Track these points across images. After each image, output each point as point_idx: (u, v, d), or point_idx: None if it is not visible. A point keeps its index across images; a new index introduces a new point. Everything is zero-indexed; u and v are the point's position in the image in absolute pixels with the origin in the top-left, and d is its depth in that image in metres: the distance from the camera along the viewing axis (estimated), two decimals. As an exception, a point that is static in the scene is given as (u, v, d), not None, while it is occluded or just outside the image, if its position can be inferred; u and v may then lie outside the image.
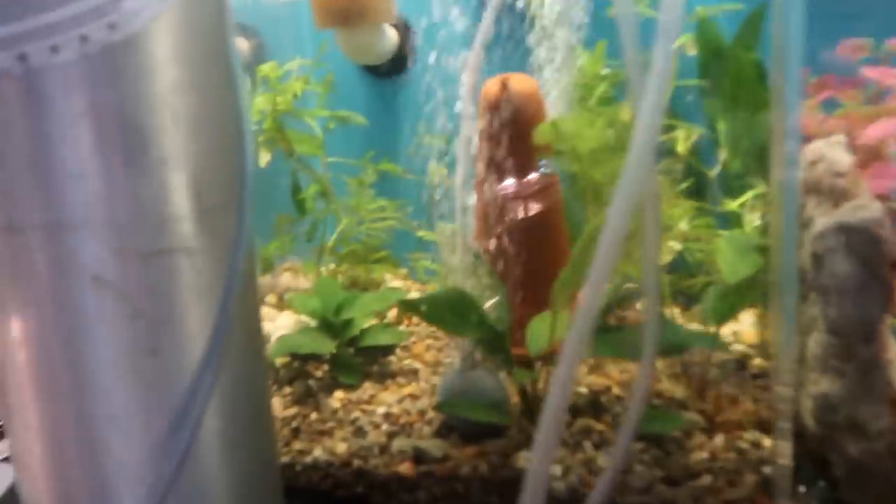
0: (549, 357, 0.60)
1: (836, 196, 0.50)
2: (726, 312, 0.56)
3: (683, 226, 0.73)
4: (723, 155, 0.71)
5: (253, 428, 0.43)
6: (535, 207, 0.69)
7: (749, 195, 0.67)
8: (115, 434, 0.38)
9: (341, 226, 0.88)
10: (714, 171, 0.72)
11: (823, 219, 0.50)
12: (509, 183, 0.70)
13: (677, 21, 0.37)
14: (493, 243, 0.69)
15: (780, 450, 0.49)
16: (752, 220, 0.70)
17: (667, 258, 0.73)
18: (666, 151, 0.73)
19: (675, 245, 0.72)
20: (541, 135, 0.64)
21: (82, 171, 0.35)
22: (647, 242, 0.44)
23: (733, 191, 0.69)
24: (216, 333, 0.39)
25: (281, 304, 0.90)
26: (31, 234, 0.35)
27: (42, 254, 0.35)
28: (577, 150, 0.64)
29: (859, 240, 0.48)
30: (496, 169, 0.68)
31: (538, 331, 0.63)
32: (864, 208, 0.48)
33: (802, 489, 0.55)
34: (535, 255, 0.67)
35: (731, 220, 0.70)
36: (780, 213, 0.55)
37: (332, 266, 0.89)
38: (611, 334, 0.53)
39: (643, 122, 0.38)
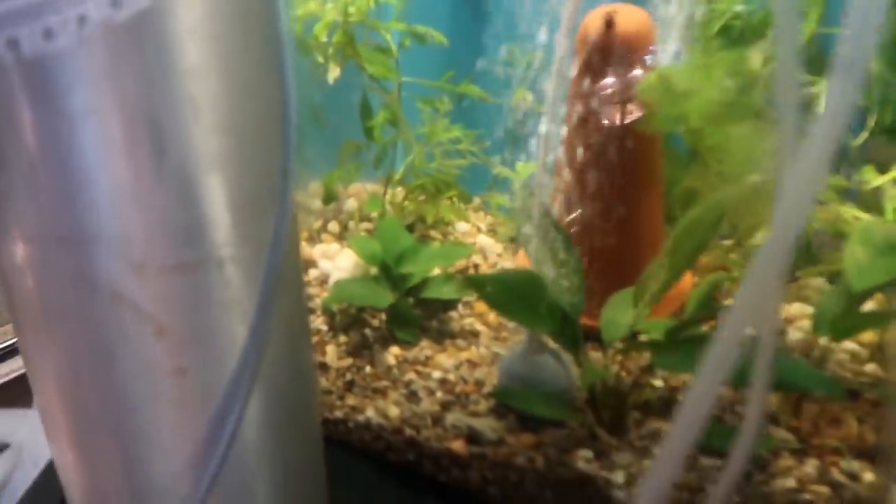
0: (626, 345, 0.54)
1: None
2: (847, 330, 0.47)
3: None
4: (872, 120, 0.58)
5: (296, 442, 0.40)
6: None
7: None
8: (148, 449, 0.35)
9: (411, 156, 0.81)
10: (859, 139, 0.59)
11: None
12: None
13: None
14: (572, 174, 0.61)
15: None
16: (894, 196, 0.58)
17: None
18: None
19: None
20: (646, 90, 0.54)
21: (91, 178, 0.29)
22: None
23: (879, 166, 0.57)
24: (250, 348, 0.35)
25: (343, 235, 0.86)
26: (47, 247, 0.31)
27: (59, 268, 0.31)
28: (689, 111, 0.54)
29: None
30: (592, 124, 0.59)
31: (615, 318, 0.56)
32: None
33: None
34: (621, 203, 0.59)
35: (866, 199, 0.59)
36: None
37: (399, 198, 0.83)
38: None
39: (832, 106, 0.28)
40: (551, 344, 0.58)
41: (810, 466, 0.51)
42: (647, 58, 0.60)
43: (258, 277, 0.35)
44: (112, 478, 0.36)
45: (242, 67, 0.32)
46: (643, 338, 0.57)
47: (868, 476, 0.50)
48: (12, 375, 0.82)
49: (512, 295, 0.49)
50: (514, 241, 0.84)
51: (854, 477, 0.50)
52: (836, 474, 0.50)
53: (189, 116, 0.30)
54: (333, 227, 0.88)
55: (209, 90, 0.30)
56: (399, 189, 0.85)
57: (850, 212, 0.56)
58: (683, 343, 0.49)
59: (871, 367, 0.59)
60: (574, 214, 0.59)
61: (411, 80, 0.82)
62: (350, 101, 0.86)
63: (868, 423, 0.53)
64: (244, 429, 0.36)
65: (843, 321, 0.46)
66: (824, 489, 0.49)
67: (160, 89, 0.29)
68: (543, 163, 0.57)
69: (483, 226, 0.88)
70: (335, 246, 0.82)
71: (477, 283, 0.49)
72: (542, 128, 0.56)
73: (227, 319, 0.34)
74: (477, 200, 0.92)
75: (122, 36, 0.28)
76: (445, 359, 0.66)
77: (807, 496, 0.49)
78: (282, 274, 0.36)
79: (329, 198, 0.83)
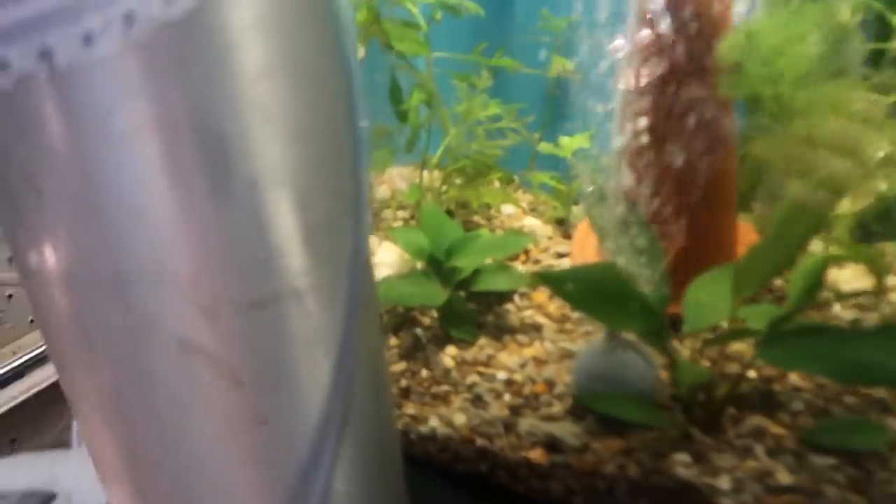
0: (716, 337, 0.49)
1: None
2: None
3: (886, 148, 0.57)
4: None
5: (383, 483, 0.35)
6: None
7: None
8: (221, 508, 0.31)
9: (448, 138, 0.75)
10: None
11: None
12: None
13: None
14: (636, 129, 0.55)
15: None
16: None
17: (863, 202, 0.58)
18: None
19: (881, 185, 0.57)
20: (728, 49, 0.48)
21: (144, 207, 0.24)
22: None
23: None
24: (336, 389, 0.30)
25: (378, 226, 0.81)
26: (95, 291, 0.26)
27: (111, 314, 0.26)
28: (782, 70, 0.48)
29: None
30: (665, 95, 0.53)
31: (704, 301, 0.51)
32: None
33: None
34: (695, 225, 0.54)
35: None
36: None
37: (437, 183, 0.78)
38: (822, 342, 0.41)
39: None
40: (631, 338, 0.53)
41: (935, 459, 0.46)
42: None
43: (338, 308, 0.30)
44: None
45: (312, 65, 0.26)
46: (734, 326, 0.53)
47: None
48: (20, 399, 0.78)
49: (598, 292, 0.44)
50: (562, 224, 0.78)
51: None
52: (966, 467, 0.45)
53: (257, 126, 0.25)
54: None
55: (278, 93, 0.25)
56: (435, 174, 0.79)
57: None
58: (789, 335, 0.44)
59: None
60: (649, 196, 0.54)
61: (441, 55, 0.76)
62: (376, 82, 0.80)
63: None
64: (334, 479, 0.31)
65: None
66: (956, 485, 0.44)
67: (222, 96, 0.24)
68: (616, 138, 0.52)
69: (525, 206, 0.83)
70: (372, 239, 0.77)
71: (556, 281, 0.44)
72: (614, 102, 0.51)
73: (309, 359, 0.29)
74: (516, 179, 0.86)
75: (174, 36, 0.22)
76: (508, 357, 0.62)
77: (936, 493, 0.44)
78: (363, 301, 0.31)
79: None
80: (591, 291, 0.45)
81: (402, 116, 0.74)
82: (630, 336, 0.54)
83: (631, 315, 0.44)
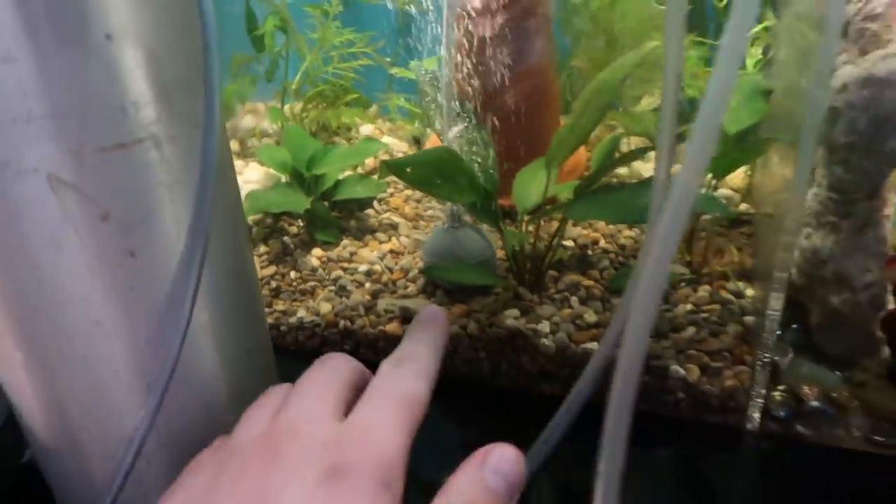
0: (537, 212, 0.58)
1: (865, 42, 0.46)
2: (726, 168, 0.54)
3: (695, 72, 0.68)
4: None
5: (243, 316, 0.41)
6: (515, 85, 0.62)
7: (757, 29, 0.62)
8: (103, 342, 0.35)
9: (305, 64, 0.80)
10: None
11: (848, 68, 0.46)
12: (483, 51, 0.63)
13: None
14: (476, 90, 0.63)
15: (772, 303, 0.49)
16: (756, 53, 0.65)
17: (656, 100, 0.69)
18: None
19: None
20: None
21: (10, 55, 0.28)
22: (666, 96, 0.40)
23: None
24: (196, 227, 0.36)
25: (244, 152, 0.85)
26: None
27: (-18, 154, 0.30)
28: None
29: (884, 93, 0.45)
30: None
31: (527, 186, 0.60)
32: (894, 57, 0.45)
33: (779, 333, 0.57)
34: (520, 127, 0.63)
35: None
36: (790, 49, 0.51)
37: (298, 108, 0.82)
38: (611, 195, 0.51)
39: None
40: (470, 221, 0.62)
41: (703, 291, 0.58)
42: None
43: (195, 159, 0.35)
44: (67, 375, 0.36)
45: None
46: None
47: (749, 292, 0.58)
48: None
49: (432, 171, 0.52)
50: (417, 142, 0.86)
51: (739, 295, 0.58)
52: (724, 294, 0.58)
53: (106, -14, 0.29)
54: (233, 145, 0.86)
55: (122, -43, 0.30)
56: (296, 101, 0.84)
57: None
58: (591, 195, 0.53)
59: (743, 207, 0.68)
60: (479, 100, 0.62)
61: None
62: (230, 14, 0.83)
63: (746, 252, 0.62)
64: (193, 328, 0.37)
65: (722, 161, 0.52)
66: (716, 307, 0.57)
67: (72, -44, 0.28)
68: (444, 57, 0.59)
69: (385, 129, 0.89)
70: (239, 163, 0.81)
71: (398, 166, 0.51)
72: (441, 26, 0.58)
73: (170, 201, 0.35)
74: (375, 107, 0.93)
75: None
76: (369, 253, 0.69)
77: (702, 315, 0.56)
78: (218, 157, 0.36)
79: (225, 114, 0.81)
80: (427, 171, 0.52)
81: (259, 44, 0.78)
82: (470, 220, 0.62)
83: (461, 188, 0.52)
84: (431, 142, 0.78)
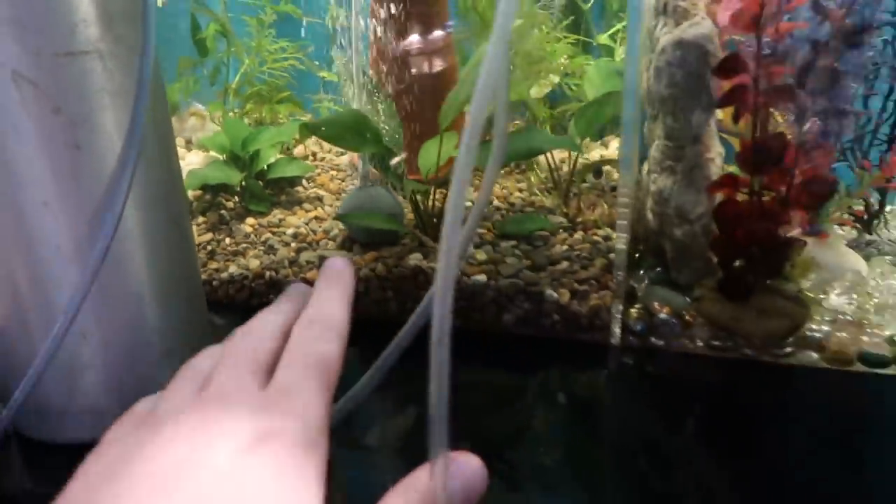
0: (438, 179, 0.68)
1: (678, 17, 0.59)
2: (587, 126, 0.65)
3: (563, 60, 0.80)
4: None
5: (172, 229, 0.50)
6: (439, 64, 0.74)
7: (618, 27, 0.75)
8: (49, 221, 0.43)
9: (244, 67, 0.90)
10: (588, 4, 0.79)
11: (666, 36, 0.58)
12: (415, 39, 0.74)
13: None
14: (393, 86, 0.74)
15: (617, 242, 0.60)
16: (621, 52, 0.78)
17: (545, 90, 0.81)
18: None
19: (554, 78, 0.80)
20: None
21: (-13, -28, 0.38)
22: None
23: (609, 27, 0.77)
24: (132, 132, 0.44)
25: (188, 147, 0.93)
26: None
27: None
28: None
29: (691, 52, 0.57)
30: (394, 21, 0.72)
31: (428, 153, 0.71)
32: (698, 25, 0.57)
33: (643, 273, 0.67)
34: (430, 104, 0.74)
35: (605, 53, 0.78)
36: (643, 38, 0.63)
37: (237, 109, 0.92)
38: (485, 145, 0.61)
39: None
40: (381, 183, 0.71)
41: (577, 236, 0.69)
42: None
43: (133, 75, 0.44)
44: (18, 250, 0.44)
45: None
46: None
47: (614, 236, 0.68)
48: None
49: (343, 128, 0.62)
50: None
51: (607, 238, 0.68)
52: (594, 238, 0.68)
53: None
54: (179, 142, 0.95)
55: None
56: (236, 99, 0.94)
57: (588, 59, 0.74)
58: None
59: (615, 176, 0.79)
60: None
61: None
62: (180, 27, 0.93)
63: (613, 207, 0.72)
64: (125, 227, 0.45)
65: (582, 121, 0.64)
66: (587, 246, 0.67)
67: None
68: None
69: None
70: (182, 150, 0.90)
71: (314, 127, 0.61)
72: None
73: (112, 106, 0.43)
74: (308, 115, 1.03)
75: None
76: (296, 219, 0.77)
77: (575, 253, 0.66)
78: (152, 76, 0.45)
79: (171, 110, 0.90)
80: (338, 129, 0.62)
81: (202, 48, 0.88)
82: (383, 183, 0.72)
83: (367, 141, 0.62)
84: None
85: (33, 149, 0.42)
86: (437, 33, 0.75)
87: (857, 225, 0.71)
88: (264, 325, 0.29)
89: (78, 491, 0.22)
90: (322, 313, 0.28)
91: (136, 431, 0.24)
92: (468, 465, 0.23)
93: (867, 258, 0.67)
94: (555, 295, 0.62)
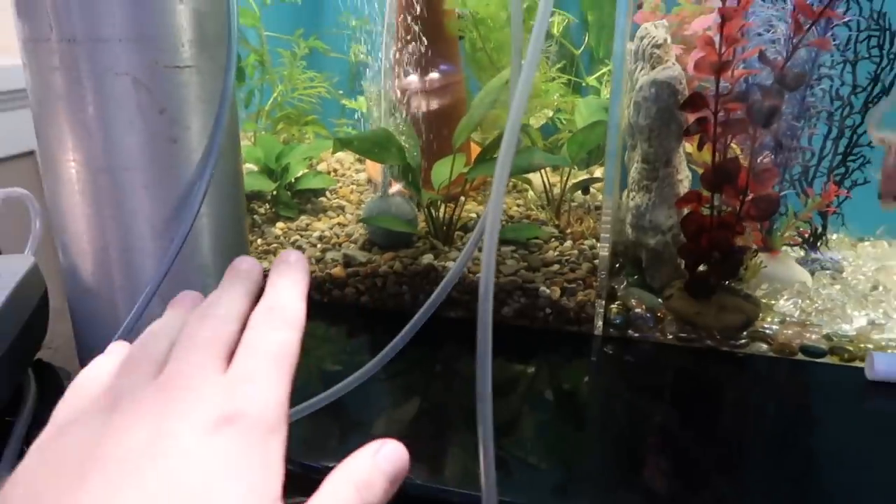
0: (448, 193, 0.80)
1: (654, 62, 0.71)
2: (578, 148, 0.77)
3: (556, 97, 0.93)
4: (588, 39, 0.91)
5: (232, 215, 0.60)
6: (435, 103, 0.86)
7: (604, 70, 0.88)
8: (147, 201, 0.54)
9: (276, 93, 1.02)
10: (579, 50, 0.92)
11: (643, 78, 0.71)
12: (413, 78, 0.87)
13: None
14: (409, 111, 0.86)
15: (600, 249, 0.71)
16: (606, 92, 0.91)
17: (541, 121, 0.94)
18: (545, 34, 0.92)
19: (548, 112, 0.93)
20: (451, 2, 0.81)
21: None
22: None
23: (596, 70, 0.90)
24: (215, 132, 0.55)
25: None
26: (81, 46, 0.49)
27: (95, 65, 0.50)
28: (478, 17, 0.81)
29: (664, 90, 0.69)
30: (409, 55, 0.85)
31: (441, 170, 0.82)
32: (669, 68, 0.70)
33: (622, 277, 0.78)
34: (439, 134, 0.86)
35: (593, 92, 0.91)
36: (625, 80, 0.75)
37: (267, 129, 1.04)
38: (494, 160, 0.73)
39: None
40: (400, 193, 0.82)
41: (567, 244, 0.80)
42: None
43: (219, 87, 0.55)
44: (111, 226, 0.54)
45: (209, -53, 0.53)
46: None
47: (598, 244, 0.80)
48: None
49: (372, 143, 0.73)
50: (362, 160, 1.07)
51: (592, 247, 0.80)
52: (581, 246, 0.79)
53: (182, -30, 0.51)
54: (211, 156, 1.06)
55: (192, -43, 0.51)
56: (267, 121, 1.05)
57: (578, 97, 0.87)
58: (482, 162, 0.75)
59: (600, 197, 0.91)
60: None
61: (269, 34, 1.04)
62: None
63: (598, 221, 0.84)
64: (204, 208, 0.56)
65: (573, 145, 0.76)
66: (575, 252, 0.78)
67: (165, -49, 0.49)
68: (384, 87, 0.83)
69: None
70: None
71: (347, 141, 0.73)
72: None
73: (204, 110, 0.54)
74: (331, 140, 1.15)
75: (146, -85, 0.48)
76: (321, 224, 0.88)
77: (565, 258, 0.77)
78: (232, 89, 0.56)
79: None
80: (367, 144, 0.73)
81: (240, 75, 1.00)
82: (402, 192, 0.83)
83: (392, 155, 0.73)
84: (369, 163, 1.00)
85: (142, 141, 0.52)
86: (447, 69, 0.87)
87: (805, 245, 0.83)
88: (221, 309, 0.29)
89: (46, 477, 0.22)
90: (280, 303, 0.29)
91: (96, 413, 0.24)
92: (396, 451, 0.26)
93: (812, 272, 0.79)
94: (547, 291, 0.72)
